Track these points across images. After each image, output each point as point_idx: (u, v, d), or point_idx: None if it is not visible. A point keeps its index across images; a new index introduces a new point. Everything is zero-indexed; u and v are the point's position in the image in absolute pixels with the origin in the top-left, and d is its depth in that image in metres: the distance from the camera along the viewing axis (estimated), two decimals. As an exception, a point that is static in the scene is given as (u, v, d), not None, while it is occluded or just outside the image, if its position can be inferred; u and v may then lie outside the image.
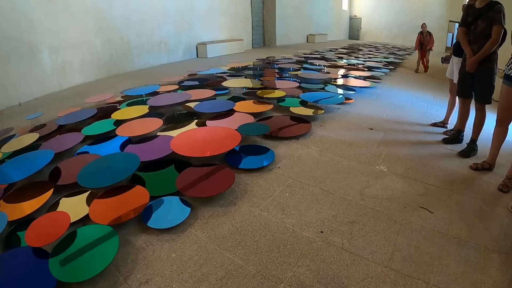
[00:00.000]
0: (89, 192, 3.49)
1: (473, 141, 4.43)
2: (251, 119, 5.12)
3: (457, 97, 5.18)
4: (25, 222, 3.09)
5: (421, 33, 12.25)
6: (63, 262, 2.55)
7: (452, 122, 5.36)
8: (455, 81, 5.03)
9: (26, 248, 2.72)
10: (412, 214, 3.09)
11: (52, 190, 3.52)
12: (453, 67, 5.11)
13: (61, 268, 2.48)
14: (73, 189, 3.57)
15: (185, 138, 4.42)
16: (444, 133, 5.20)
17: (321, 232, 2.84)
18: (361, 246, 2.67)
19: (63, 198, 3.46)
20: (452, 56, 5.16)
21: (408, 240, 2.75)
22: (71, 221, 2.96)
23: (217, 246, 2.72)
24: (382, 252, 2.60)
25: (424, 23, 12.42)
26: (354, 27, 28.48)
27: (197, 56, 14.44)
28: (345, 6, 27.26)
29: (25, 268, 2.58)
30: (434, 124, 5.57)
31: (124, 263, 2.59)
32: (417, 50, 12.50)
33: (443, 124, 5.53)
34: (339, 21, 26.50)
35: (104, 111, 6.01)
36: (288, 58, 12.16)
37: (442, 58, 5.95)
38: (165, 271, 2.49)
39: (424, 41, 12.03)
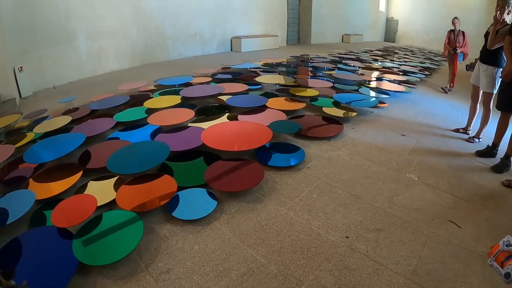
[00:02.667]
0: (117, 177, 3.52)
1: (508, 156, 4.24)
2: (283, 117, 5.06)
3: (478, 104, 5.07)
4: (52, 202, 3.15)
5: (451, 31, 9.02)
6: (86, 245, 2.57)
7: (474, 129, 5.24)
8: (482, 89, 4.88)
9: (51, 227, 2.77)
10: (440, 227, 2.98)
11: (81, 172, 3.57)
12: (479, 74, 4.94)
13: (84, 250, 2.51)
14: (102, 174, 3.61)
15: (216, 131, 4.41)
16: (467, 140, 5.08)
17: (347, 237, 2.78)
18: (385, 256, 2.59)
19: (91, 181, 3.50)
20: (479, 62, 4.98)
21: (434, 254, 2.65)
22: (98, 205, 2.99)
23: (240, 242, 2.70)
24: (406, 264, 2.52)
25: (456, 17, 9.07)
26: (390, 29, 27.83)
27: (231, 50, 14.46)
28: (382, 8, 26.61)
29: (49, 247, 2.63)
30: (457, 130, 5.45)
31: (147, 251, 2.61)
32: (446, 56, 9.40)
33: (465, 130, 5.41)
34: (376, 22, 25.96)
35: (137, 99, 6.08)
36: (322, 57, 12.00)
37: (466, 65, 5.68)
38: (186, 262, 2.49)
39: (456, 42, 8.83)
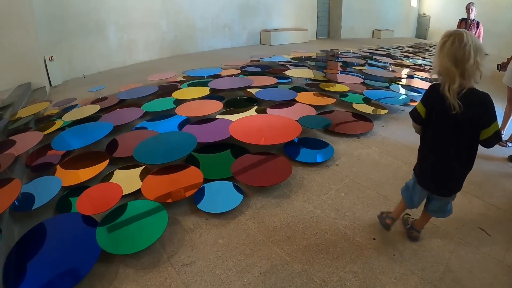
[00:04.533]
0: (143, 167, 3.52)
1: None
2: (312, 111, 4.97)
3: None
4: (78, 189, 3.18)
5: (464, 20, 7.16)
6: (110, 233, 2.58)
7: (507, 133, 4.96)
8: None
9: (76, 214, 2.78)
10: (469, 234, 2.82)
11: (108, 161, 3.60)
12: None
13: (107, 238, 2.51)
14: (128, 163, 3.62)
15: (244, 124, 4.36)
16: (499, 144, 4.78)
17: (374, 239, 2.68)
18: (412, 261, 2.48)
19: (117, 170, 3.52)
20: None
21: (461, 262, 2.51)
22: (123, 194, 3.01)
23: (265, 238, 2.64)
24: (433, 270, 2.40)
25: (472, 3, 7.07)
26: (422, 26, 26.95)
27: (260, 43, 14.39)
28: (414, 3, 25.83)
29: (73, 233, 2.65)
30: None
31: (170, 242, 2.59)
32: None
33: None
34: (407, 17, 25.22)
35: (165, 90, 6.11)
36: (352, 52, 11.75)
37: (498, 65, 5.22)
38: (209, 255, 2.46)
39: None
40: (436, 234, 2.79)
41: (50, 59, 7.80)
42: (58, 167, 3.60)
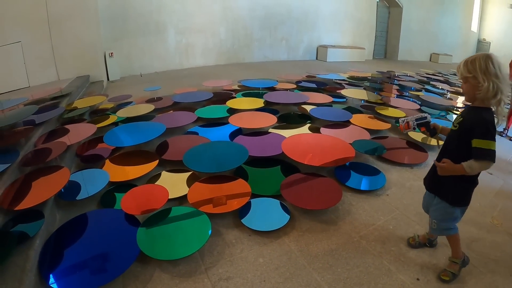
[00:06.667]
0: (191, 172, 3.52)
1: None
2: (366, 135, 4.79)
3: None
4: (124, 186, 3.24)
5: None
6: (151, 236, 2.57)
7: None
8: None
9: (120, 211, 2.81)
10: None
11: (157, 162, 3.63)
12: None
13: (148, 240, 2.50)
14: (177, 166, 3.65)
15: (297, 141, 4.25)
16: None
17: (417, 279, 2.50)
18: None
19: (164, 172, 3.56)
20: None
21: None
22: (169, 197, 3.01)
23: (307, 263, 2.54)
24: None
25: None
26: (481, 52, 25.68)
27: (316, 58, 14.35)
28: (474, 28, 24.74)
29: (114, 230, 2.69)
30: None
31: (210, 254, 2.55)
32: None
33: None
34: (466, 42, 23.94)
35: (220, 97, 6.16)
36: (409, 76, 11.38)
37: None
38: (248, 273, 2.39)
39: None
40: (482, 282, 2.57)
41: (110, 55, 8.20)
42: (107, 161, 3.69)
